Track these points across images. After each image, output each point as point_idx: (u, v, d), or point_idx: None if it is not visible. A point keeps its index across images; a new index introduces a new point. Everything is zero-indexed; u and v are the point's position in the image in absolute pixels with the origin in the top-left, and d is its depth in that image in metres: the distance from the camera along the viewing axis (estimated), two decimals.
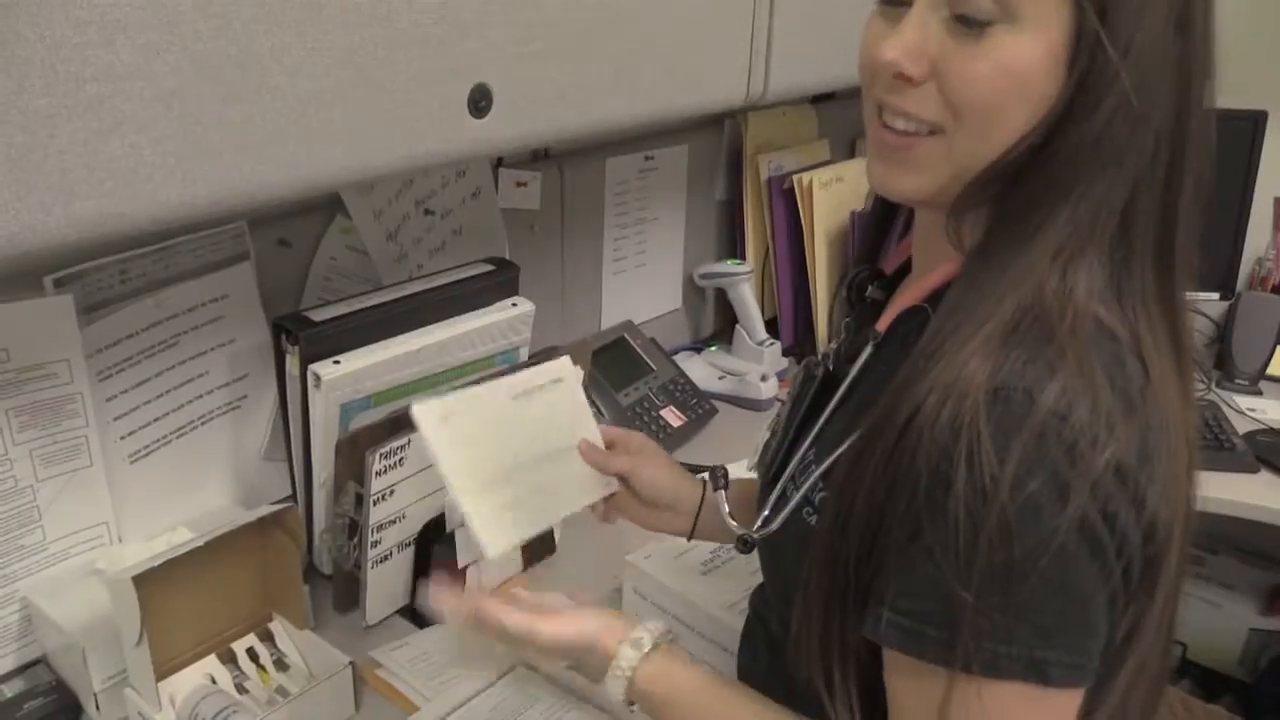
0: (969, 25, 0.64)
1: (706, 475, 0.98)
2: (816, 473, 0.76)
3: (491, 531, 0.86)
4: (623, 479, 1.01)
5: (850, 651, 0.70)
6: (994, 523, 0.59)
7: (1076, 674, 0.62)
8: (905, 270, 0.86)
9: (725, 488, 0.93)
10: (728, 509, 0.90)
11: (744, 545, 0.83)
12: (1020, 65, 0.63)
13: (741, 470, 0.99)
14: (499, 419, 0.92)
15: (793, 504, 0.78)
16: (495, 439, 0.90)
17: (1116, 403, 0.62)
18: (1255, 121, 1.78)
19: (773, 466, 0.87)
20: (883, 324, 0.76)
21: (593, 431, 1.01)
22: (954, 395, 0.61)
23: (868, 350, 0.76)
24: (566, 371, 1.00)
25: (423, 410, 0.85)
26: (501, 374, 1.04)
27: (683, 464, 1.41)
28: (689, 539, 1.06)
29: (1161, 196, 0.67)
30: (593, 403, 1.42)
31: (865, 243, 0.90)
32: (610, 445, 1.02)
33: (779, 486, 0.82)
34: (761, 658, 0.92)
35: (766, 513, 0.82)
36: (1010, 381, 0.61)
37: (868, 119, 0.72)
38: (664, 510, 1.03)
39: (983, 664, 0.61)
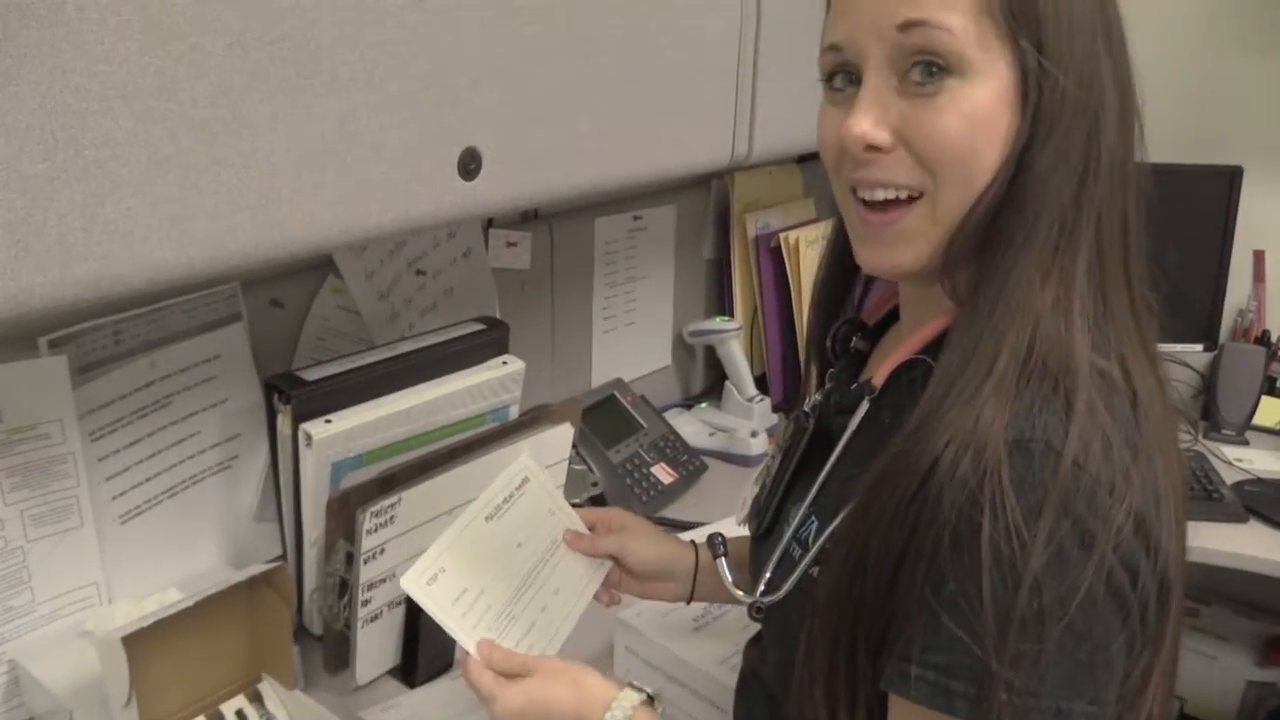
0: (923, 85, 0.66)
1: (704, 542, 0.98)
2: (825, 533, 0.75)
3: None
4: (613, 558, 1.02)
5: (857, 703, 0.69)
6: (1022, 576, 0.59)
7: None
8: (887, 321, 0.88)
9: (725, 554, 0.92)
10: (731, 578, 0.89)
11: (758, 613, 0.82)
12: (980, 111, 0.66)
13: (732, 526, 0.99)
14: (484, 551, 0.92)
15: (801, 568, 0.77)
16: (488, 573, 0.91)
17: (1125, 448, 0.63)
18: (1232, 177, 1.82)
19: (764, 520, 0.87)
20: (879, 378, 0.76)
21: (573, 516, 1.03)
22: (972, 447, 0.61)
23: (864, 406, 0.76)
24: (530, 468, 1.00)
25: (410, 581, 0.86)
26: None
27: (668, 527, 1.43)
28: (688, 603, 1.06)
29: (1122, 213, 0.69)
30: (583, 460, 1.43)
31: (826, 304, 0.89)
32: (591, 528, 1.03)
33: (780, 547, 0.81)
34: (758, 711, 0.91)
35: (769, 575, 0.82)
36: (1028, 432, 0.62)
37: (843, 203, 0.73)
38: (660, 581, 1.04)
39: (1014, 718, 0.60)
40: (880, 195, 0.69)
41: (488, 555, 0.92)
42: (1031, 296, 0.66)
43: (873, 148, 0.67)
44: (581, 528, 1.02)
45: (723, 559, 0.92)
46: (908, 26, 0.65)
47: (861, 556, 0.67)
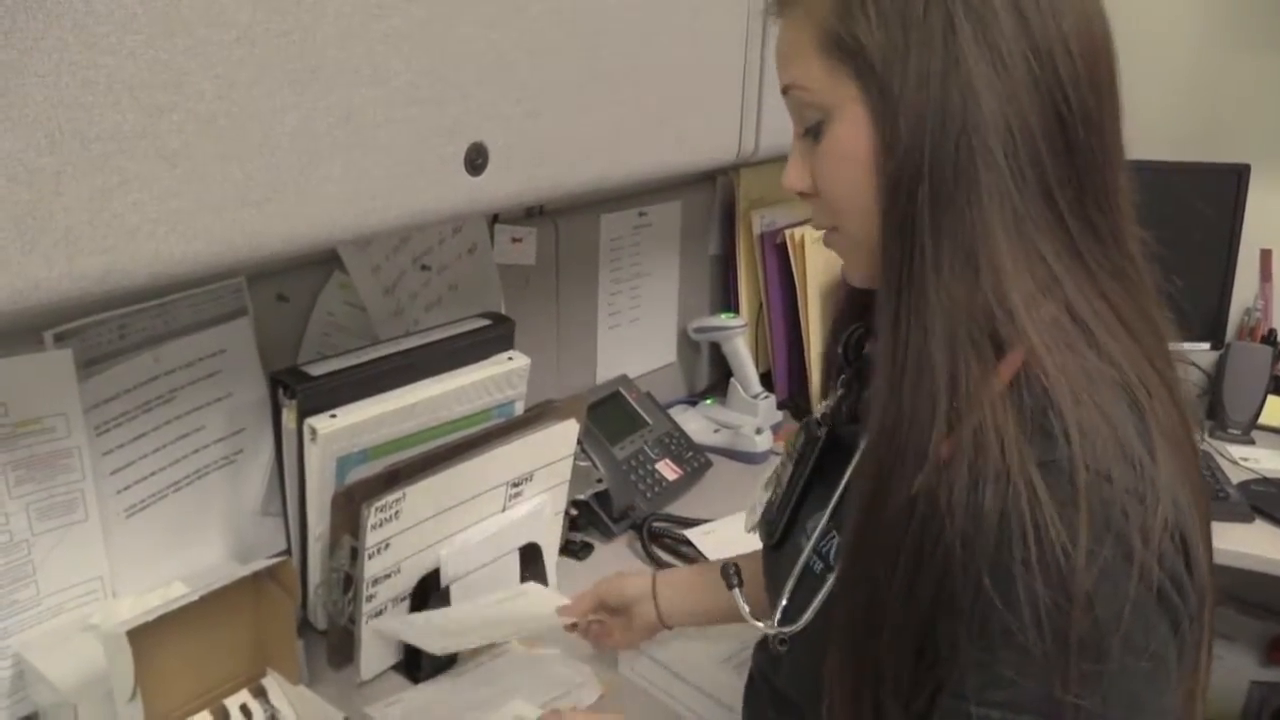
0: (815, 137, 0.72)
1: (719, 572, 0.94)
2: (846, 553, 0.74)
3: None
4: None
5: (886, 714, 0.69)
6: (1073, 595, 0.58)
7: None
8: None
9: (740, 584, 0.90)
10: (748, 609, 0.87)
11: (781, 644, 0.80)
12: (848, 147, 0.69)
13: (737, 525, 0.99)
14: None
15: (827, 588, 0.76)
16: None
17: (1141, 450, 0.62)
18: (1239, 175, 1.82)
19: (777, 529, 0.86)
20: None
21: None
22: (987, 478, 0.60)
23: None
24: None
25: None
26: None
27: (673, 524, 1.44)
28: (669, 627, 1.10)
29: (1048, 211, 0.66)
30: (588, 456, 1.43)
31: (851, 302, 0.89)
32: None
33: (800, 562, 0.81)
34: (767, 713, 0.90)
35: (786, 601, 0.81)
36: (1049, 452, 0.61)
37: None
38: (636, 609, 1.10)
39: None
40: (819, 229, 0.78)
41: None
42: (954, 310, 0.64)
43: (804, 194, 0.75)
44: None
45: (737, 590, 0.89)
46: (785, 92, 0.74)
47: (880, 593, 0.66)
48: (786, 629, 0.79)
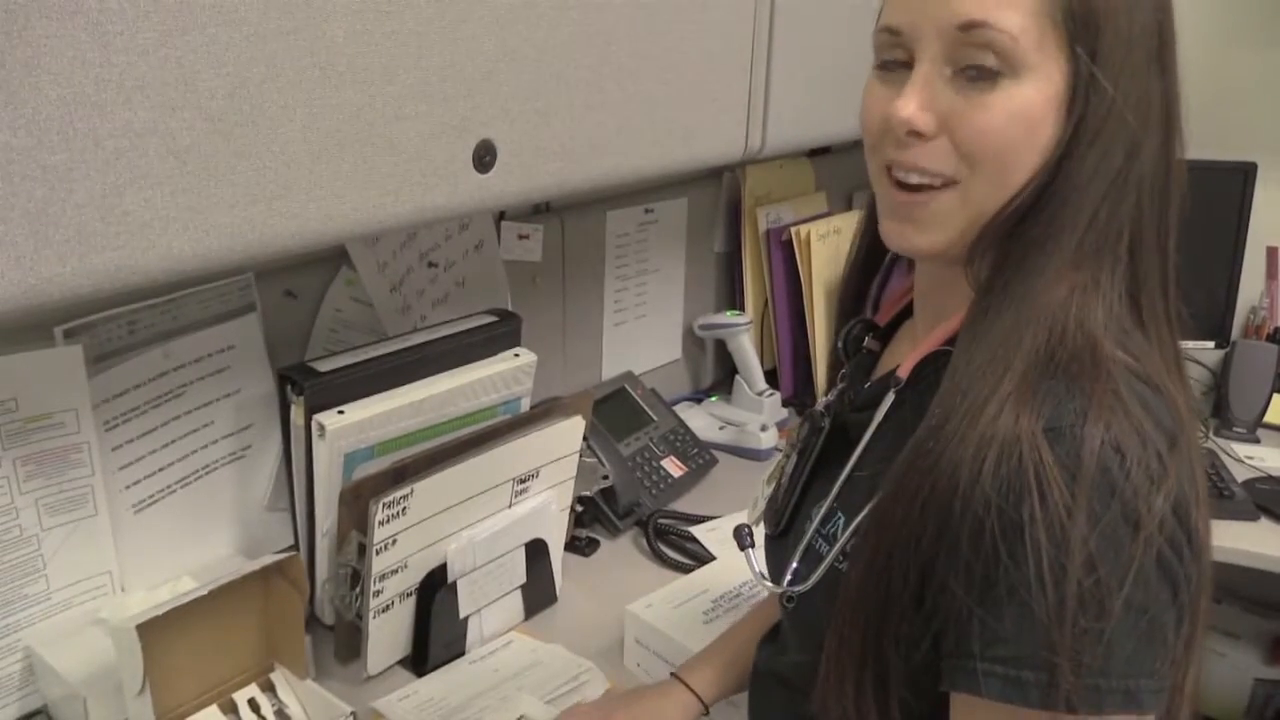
0: (976, 80, 0.66)
1: (733, 535, 0.94)
2: (852, 527, 0.75)
3: None
4: None
5: (888, 697, 0.70)
6: (1077, 555, 0.60)
7: (1161, 697, 0.63)
8: (897, 322, 0.88)
9: (752, 545, 0.90)
10: (758, 567, 0.88)
11: (789, 602, 0.82)
12: (1028, 113, 0.66)
13: (743, 520, 0.99)
14: None
15: (829, 559, 0.77)
16: None
17: (1159, 436, 0.63)
18: (1245, 173, 1.81)
19: (782, 519, 0.87)
20: (904, 370, 0.75)
21: None
22: (997, 443, 0.62)
23: (889, 398, 0.76)
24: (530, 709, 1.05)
25: None
26: None
27: (677, 520, 1.43)
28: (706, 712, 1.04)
29: (1157, 228, 0.70)
30: (594, 453, 1.43)
31: (849, 296, 0.90)
32: None
33: (804, 543, 0.81)
34: (776, 708, 0.91)
35: (796, 565, 0.82)
36: (1058, 420, 0.62)
37: (876, 179, 0.73)
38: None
39: (1086, 701, 0.61)
40: (914, 179, 0.70)
41: None
42: (1052, 297, 0.66)
43: (915, 133, 0.68)
44: None
45: (750, 550, 0.90)
46: (969, 27, 0.65)
47: (889, 554, 0.67)
48: (795, 588, 0.80)
